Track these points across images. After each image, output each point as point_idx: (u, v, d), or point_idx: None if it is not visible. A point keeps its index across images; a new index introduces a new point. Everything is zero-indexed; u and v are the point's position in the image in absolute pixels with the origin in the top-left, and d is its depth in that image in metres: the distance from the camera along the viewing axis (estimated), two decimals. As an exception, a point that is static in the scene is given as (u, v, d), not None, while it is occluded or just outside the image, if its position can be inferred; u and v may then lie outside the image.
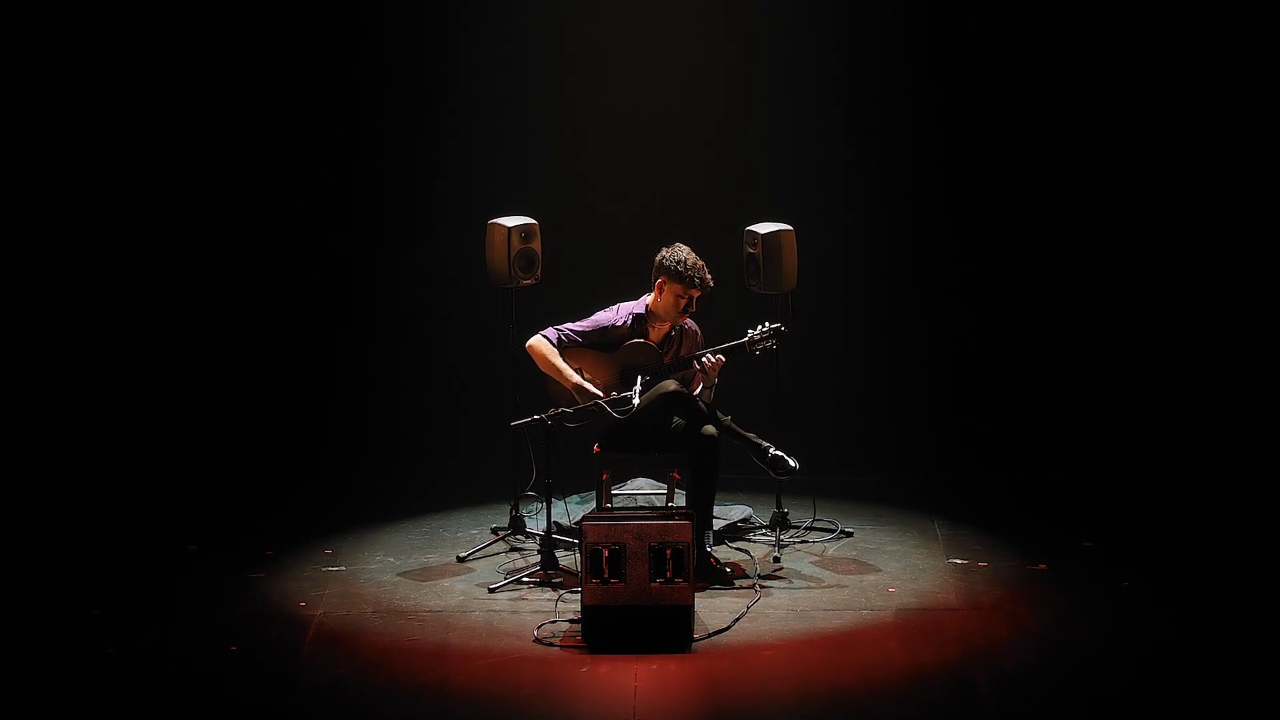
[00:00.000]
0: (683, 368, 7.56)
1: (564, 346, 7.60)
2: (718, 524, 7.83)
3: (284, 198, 9.30)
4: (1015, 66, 9.16)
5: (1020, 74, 9.16)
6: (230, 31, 9.14)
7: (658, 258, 7.55)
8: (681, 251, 7.51)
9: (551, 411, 7.33)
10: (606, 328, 7.63)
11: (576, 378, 7.54)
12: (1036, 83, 9.15)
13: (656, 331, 7.64)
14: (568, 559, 7.48)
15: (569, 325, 7.63)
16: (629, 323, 7.63)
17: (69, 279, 9.18)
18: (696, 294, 7.52)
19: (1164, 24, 9.01)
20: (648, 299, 7.64)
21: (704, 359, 7.48)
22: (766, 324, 7.57)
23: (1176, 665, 6.27)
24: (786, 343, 7.63)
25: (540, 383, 7.66)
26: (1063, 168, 9.20)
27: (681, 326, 7.65)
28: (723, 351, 7.53)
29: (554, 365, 7.57)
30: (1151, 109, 9.09)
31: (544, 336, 7.61)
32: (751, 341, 7.54)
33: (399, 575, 7.51)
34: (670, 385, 7.48)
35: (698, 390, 7.56)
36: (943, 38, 9.22)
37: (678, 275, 7.48)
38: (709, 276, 7.51)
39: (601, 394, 7.51)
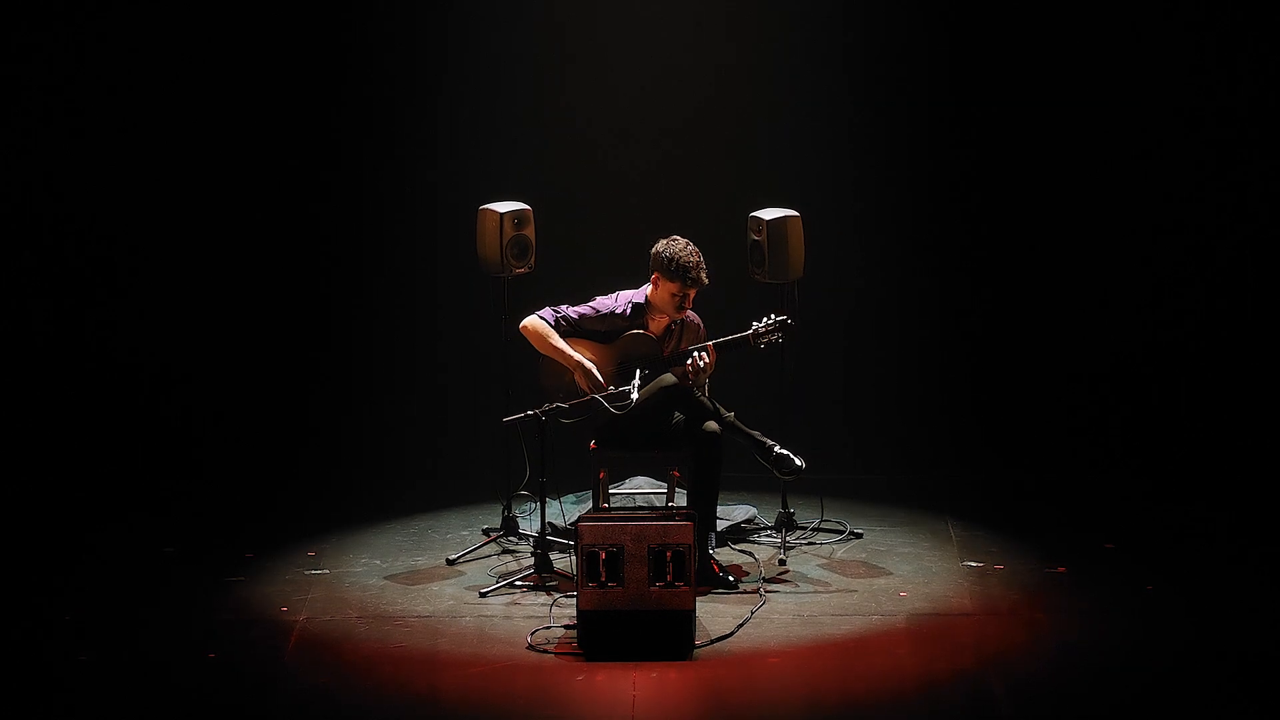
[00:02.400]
0: (683, 360, 7.54)
1: (559, 330, 7.58)
2: (721, 525, 7.83)
3: (263, 183, 9.28)
4: (1037, 47, 9.12)
5: (1043, 55, 9.12)
6: (212, 10, 9.11)
7: (652, 252, 7.52)
8: (676, 246, 7.47)
9: (546, 406, 7.32)
10: (605, 314, 7.61)
11: (578, 356, 7.52)
12: (1060, 65, 9.12)
13: (656, 323, 7.63)
14: (563, 561, 7.48)
15: (566, 307, 7.62)
16: (628, 311, 7.62)
17: (41, 274, 9.16)
18: (693, 292, 7.50)
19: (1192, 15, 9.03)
20: (648, 289, 7.63)
21: (700, 355, 7.42)
22: (772, 316, 7.55)
23: (1202, 673, 6.26)
24: (792, 336, 7.61)
25: (534, 376, 7.65)
26: (1087, 155, 9.17)
27: (683, 319, 7.64)
28: (726, 344, 7.52)
29: (552, 345, 7.55)
30: (1178, 99, 9.07)
31: (540, 317, 7.59)
32: (756, 334, 7.53)
33: (386, 579, 7.50)
34: (671, 378, 7.47)
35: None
36: (960, 14, 9.19)
37: (671, 273, 7.45)
38: (705, 274, 7.47)
39: (602, 376, 7.50)
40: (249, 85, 9.20)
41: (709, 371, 7.49)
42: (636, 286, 7.68)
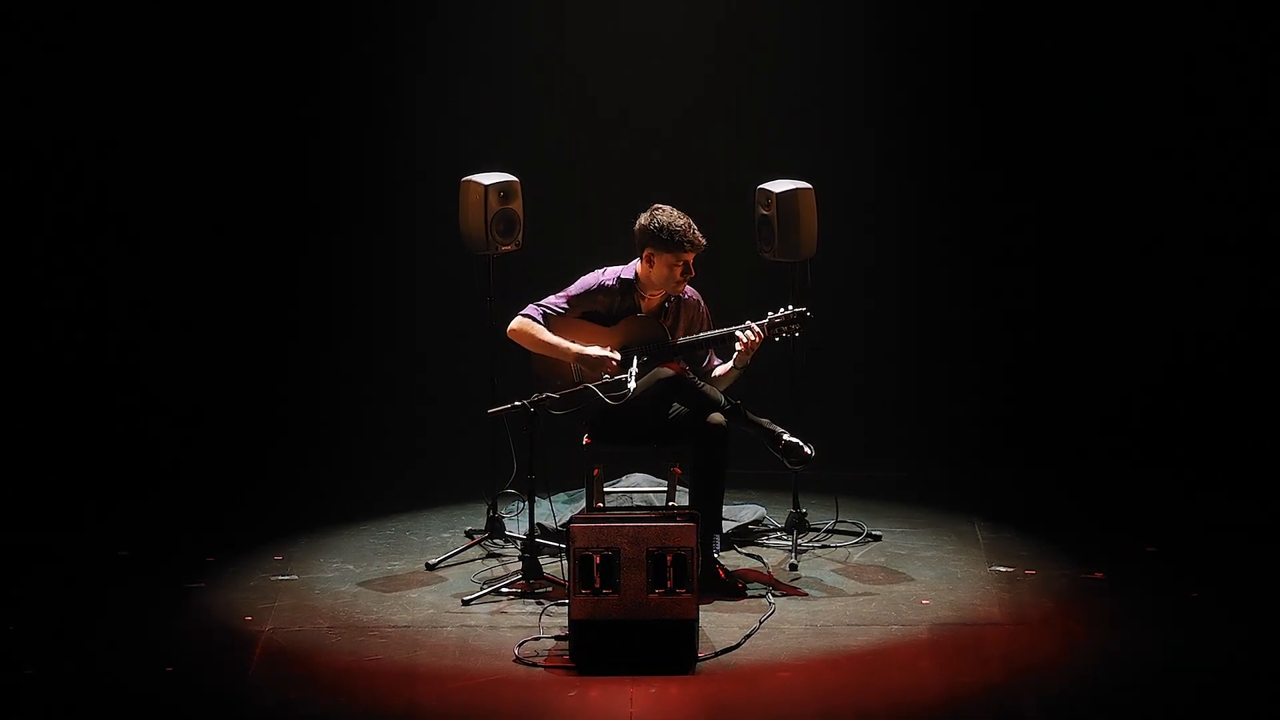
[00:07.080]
0: (694, 348, 7.53)
1: (549, 322, 7.57)
2: (726, 526, 7.84)
3: (226, 160, 9.27)
4: (1065, 13, 9.10)
5: (1074, 21, 9.10)
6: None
7: (636, 227, 7.50)
8: (661, 214, 7.45)
9: (535, 397, 7.31)
10: (594, 291, 7.60)
11: (575, 347, 7.51)
12: (1090, 34, 9.10)
13: (648, 301, 7.61)
14: (553, 566, 7.48)
15: (550, 298, 7.60)
16: (615, 285, 7.59)
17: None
18: (691, 257, 7.48)
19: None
20: (638, 265, 7.60)
21: (746, 332, 7.39)
22: (789, 307, 7.50)
23: (1250, 687, 6.26)
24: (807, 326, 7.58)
25: (523, 363, 7.64)
26: (1122, 136, 9.16)
27: (680, 296, 7.62)
28: (731, 335, 7.48)
29: (546, 342, 7.54)
30: (1197, 85, 9.09)
31: (526, 316, 7.58)
32: (771, 325, 7.49)
33: (359, 585, 7.51)
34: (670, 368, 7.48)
35: (723, 371, 7.53)
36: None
37: (664, 243, 7.44)
38: (700, 235, 7.45)
39: (607, 353, 7.48)
40: (211, 51, 9.19)
41: (755, 347, 7.45)
42: (627, 263, 7.66)
